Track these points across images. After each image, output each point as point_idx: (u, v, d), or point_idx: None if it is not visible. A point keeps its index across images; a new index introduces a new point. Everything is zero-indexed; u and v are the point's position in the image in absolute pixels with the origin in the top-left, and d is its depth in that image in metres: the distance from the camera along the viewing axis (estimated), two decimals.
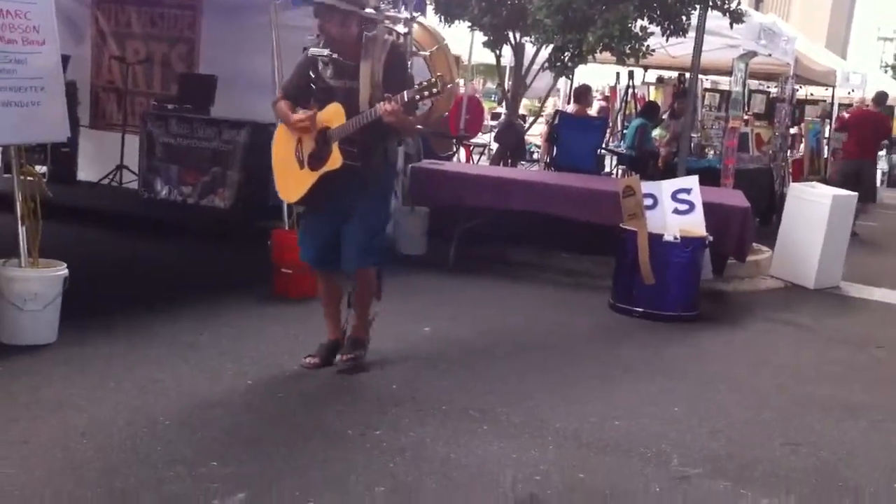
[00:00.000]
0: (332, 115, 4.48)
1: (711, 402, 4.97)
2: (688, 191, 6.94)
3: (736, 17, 7.77)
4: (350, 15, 4.48)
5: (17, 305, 4.65)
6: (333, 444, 3.85)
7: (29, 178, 4.93)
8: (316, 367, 4.74)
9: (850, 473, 4.15)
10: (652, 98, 15.73)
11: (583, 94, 11.57)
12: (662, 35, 7.91)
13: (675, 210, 6.89)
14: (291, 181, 4.69)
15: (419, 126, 7.00)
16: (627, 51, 7.59)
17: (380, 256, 4.84)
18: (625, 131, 14.54)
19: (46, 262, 4.86)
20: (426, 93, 4.34)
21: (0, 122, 4.62)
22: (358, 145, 4.51)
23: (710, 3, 7.74)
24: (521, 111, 15.12)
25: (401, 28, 6.43)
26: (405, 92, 4.34)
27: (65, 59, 8.18)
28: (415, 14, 7.60)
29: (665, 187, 6.98)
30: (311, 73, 4.59)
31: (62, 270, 4.81)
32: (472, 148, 14.16)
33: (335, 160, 4.48)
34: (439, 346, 5.52)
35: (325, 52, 4.52)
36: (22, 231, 4.75)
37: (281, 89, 4.93)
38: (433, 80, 4.39)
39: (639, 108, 14.61)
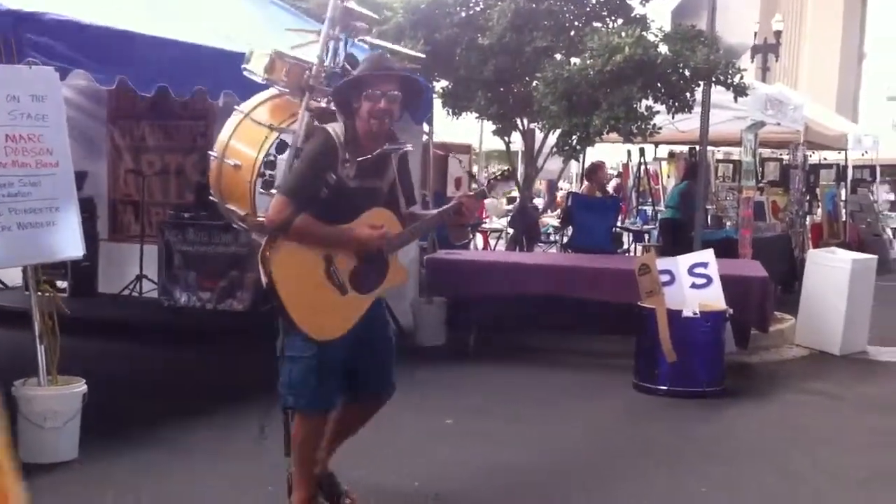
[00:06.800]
0: (378, 222, 3.73)
1: (745, 481, 4.87)
2: (704, 264, 6.93)
3: (739, 90, 7.85)
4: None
5: (38, 424, 4.65)
6: None
7: (46, 294, 4.99)
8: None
9: None
10: (665, 172, 15.81)
11: (594, 173, 11.64)
12: (668, 113, 7.99)
13: (692, 285, 6.87)
14: (331, 312, 3.72)
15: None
16: (634, 130, 7.66)
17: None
18: (640, 208, 14.63)
19: (65, 379, 4.88)
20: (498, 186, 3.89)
21: (18, 244, 4.68)
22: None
23: (714, 80, 7.84)
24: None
25: None
26: (485, 186, 3.94)
27: (82, 175, 8.37)
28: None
29: (681, 262, 6.97)
30: (332, 174, 3.65)
31: (81, 387, 4.83)
32: (488, 233, 14.24)
33: (400, 274, 3.86)
34: (462, 438, 5.46)
35: (408, 146, 3.85)
36: (40, 349, 4.79)
37: (291, 198, 3.62)
38: (504, 172, 3.96)
39: (652, 184, 14.69)
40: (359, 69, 3.87)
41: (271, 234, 3.68)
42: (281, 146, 4.04)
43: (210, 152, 4.18)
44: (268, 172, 3.94)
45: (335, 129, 3.69)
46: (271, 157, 3.98)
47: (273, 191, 3.83)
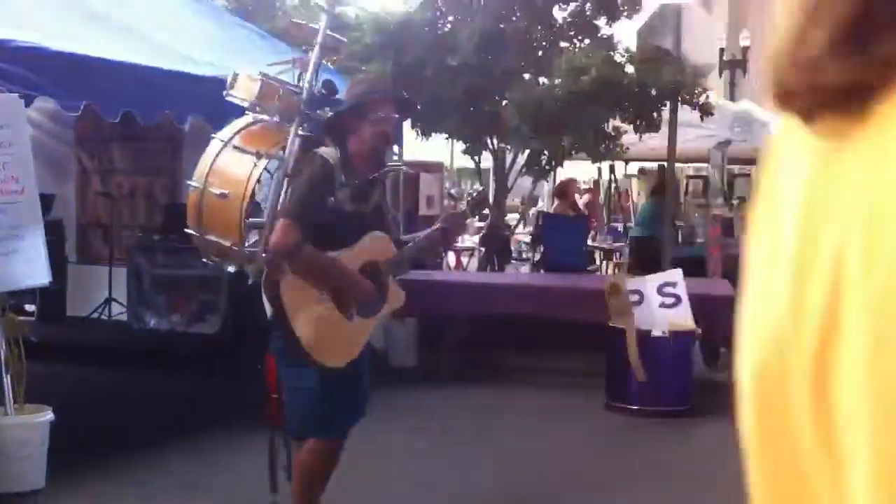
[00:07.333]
0: (375, 247, 3.76)
1: (710, 500, 4.90)
2: (673, 284, 6.97)
3: (705, 110, 7.94)
4: None
5: (4, 453, 4.61)
6: None
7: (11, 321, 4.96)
8: None
9: None
10: (635, 189, 15.94)
11: (563, 192, 11.69)
12: (635, 132, 8.07)
13: (662, 304, 6.91)
14: (340, 339, 3.71)
15: None
16: (602, 151, 7.73)
17: None
18: (611, 225, 14.71)
19: (33, 408, 4.83)
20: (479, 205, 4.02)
21: None
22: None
23: (680, 99, 7.92)
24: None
25: None
26: (468, 206, 4.03)
27: (50, 198, 8.31)
28: None
29: (650, 282, 7.02)
30: (331, 198, 3.63)
31: (47, 415, 4.79)
32: (460, 252, 14.25)
33: (398, 297, 3.87)
34: (432, 460, 5.47)
35: (403, 167, 4.02)
36: (6, 378, 4.74)
37: (295, 221, 3.53)
38: (480, 193, 4.12)
39: (622, 201, 14.79)
40: (357, 92, 3.83)
41: (275, 260, 3.57)
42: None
43: (189, 182, 4.03)
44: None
45: (328, 153, 3.67)
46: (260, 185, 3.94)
47: (255, 220, 3.80)
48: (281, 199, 3.75)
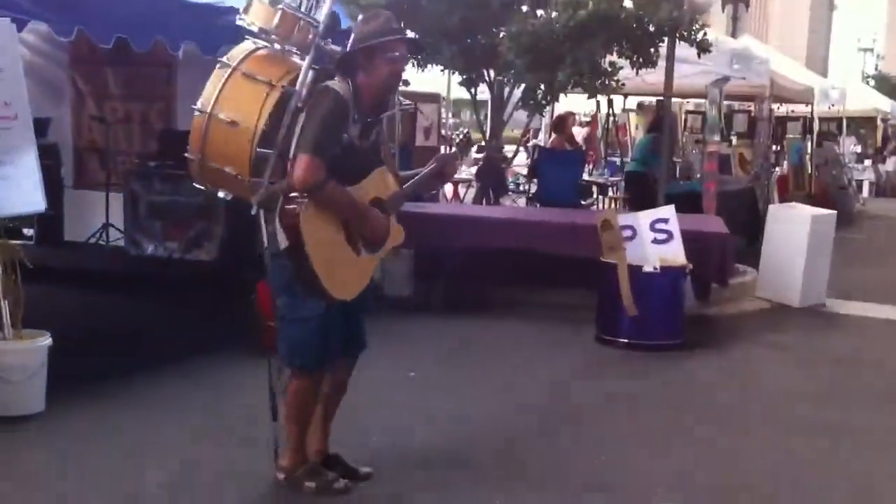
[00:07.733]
0: (380, 182, 3.81)
1: (698, 431, 5.01)
2: (665, 220, 7.01)
3: (702, 47, 7.88)
4: None
5: (3, 378, 4.68)
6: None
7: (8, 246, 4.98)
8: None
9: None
10: (633, 123, 15.87)
11: (560, 125, 11.66)
12: (632, 68, 8.02)
13: (654, 240, 6.95)
14: (350, 273, 3.76)
15: None
16: (598, 86, 7.69)
17: None
18: (608, 159, 14.70)
19: (30, 333, 4.89)
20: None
21: None
22: None
23: (677, 36, 7.86)
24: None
25: None
26: (457, 143, 4.20)
27: (46, 122, 8.29)
28: None
29: (642, 218, 7.05)
30: (344, 134, 3.68)
31: (46, 340, 4.85)
32: (458, 183, 14.25)
33: (400, 233, 3.92)
34: (424, 391, 5.55)
35: (412, 105, 4.03)
36: (4, 304, 4.79)
37: (318, 156, 3.54)
38: (465, 136, 4.33)
39: (620, 135, 14.75)
40: (372, 30, 3.75)
41: (292, 194, 3.55)
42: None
43: (194, 107, 3.87)
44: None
45: (342, 88, 3.67)
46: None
47: (262, 150, 3.72)
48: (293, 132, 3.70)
